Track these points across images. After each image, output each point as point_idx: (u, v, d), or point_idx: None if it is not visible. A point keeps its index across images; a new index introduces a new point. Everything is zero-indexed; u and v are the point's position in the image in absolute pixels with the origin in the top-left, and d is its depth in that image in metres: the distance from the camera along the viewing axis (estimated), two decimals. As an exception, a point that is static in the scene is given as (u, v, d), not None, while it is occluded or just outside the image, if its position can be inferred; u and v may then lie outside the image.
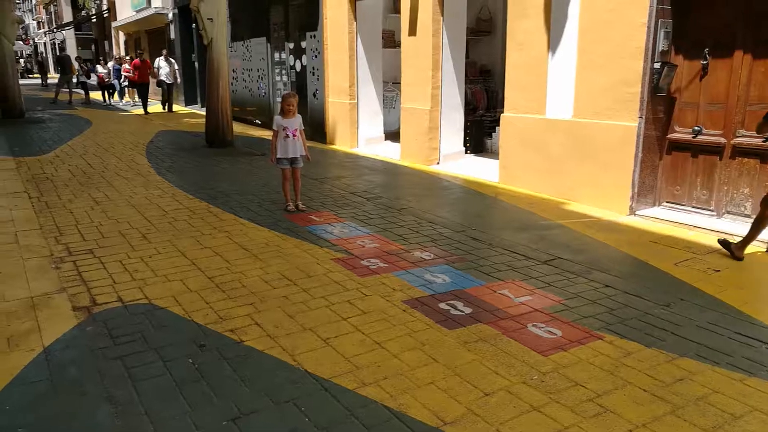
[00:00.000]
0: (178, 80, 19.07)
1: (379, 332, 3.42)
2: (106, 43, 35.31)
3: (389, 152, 10.85)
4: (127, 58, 22.44)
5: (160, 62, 18.12)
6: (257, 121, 15.83)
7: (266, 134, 14.02)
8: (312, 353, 3.14)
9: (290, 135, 6.07)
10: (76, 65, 21.57)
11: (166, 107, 18.79)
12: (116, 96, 22.05)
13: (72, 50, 38.71)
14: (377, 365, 3.03)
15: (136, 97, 20.12)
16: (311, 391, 2.77)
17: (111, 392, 2.72)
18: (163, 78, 18.15)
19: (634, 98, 6.18)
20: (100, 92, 22.33)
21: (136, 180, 7.88)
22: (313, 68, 12.63)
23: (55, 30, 48.03)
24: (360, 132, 11.76)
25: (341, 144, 12.01)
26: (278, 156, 6.18)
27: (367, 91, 11.61)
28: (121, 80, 21.13)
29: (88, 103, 21.09)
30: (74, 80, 20.96)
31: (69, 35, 44.45)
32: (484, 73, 11.89)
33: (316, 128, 12.80)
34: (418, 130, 9.68)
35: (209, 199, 6.80)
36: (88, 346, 3.17)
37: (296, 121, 6.17)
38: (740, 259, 4.88)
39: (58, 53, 37.13)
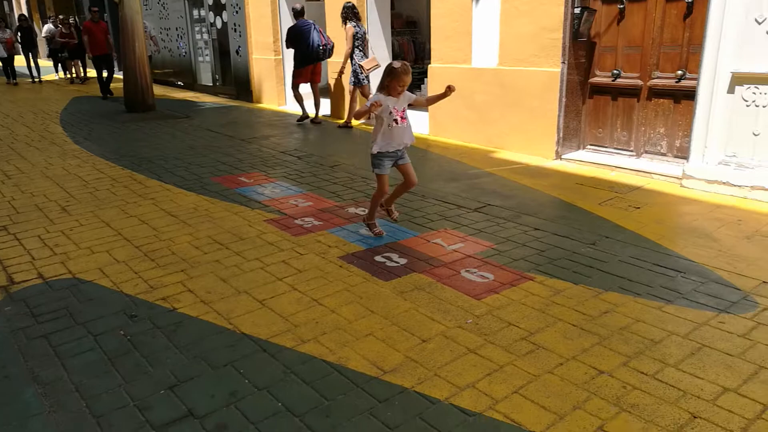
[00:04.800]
0: (159, 50, 15.07)
1: (316, 289, 3.41)
2: (5, 3, 32.65)
3: (320, 108, 10.63)
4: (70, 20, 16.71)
5: None
6: (179, 83, 15.16)
7: (189, 96, 13.50)
8: (248, 315, 3.10)
9: (398, 119, 4.14)
10: None
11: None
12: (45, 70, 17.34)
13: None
14: (315, 322, 3.03)
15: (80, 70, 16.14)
16: (249, 353, 2.75)
17: (36, 372, 2.61)
18: None
19: (556, 44, 6.28)
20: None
21: (51, 150, 7.43)
22: (235, 24, 12.13)
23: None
24: (287, 89, 11.46)
25: (268, 102, 11.70)
26: (378, 150, 4.14)
27: (292, 46, 11.25)
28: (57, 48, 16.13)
29: None
30: None
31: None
32: (410, 25, 11.78)
33: (242, 87, 12.40)
34: (347, 84, 9.52)
35: (132, 166, 6.50)
36: (7, 327, 3.01)
37: (405, 99, 4.16)
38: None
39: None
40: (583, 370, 2.58)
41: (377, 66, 8.65)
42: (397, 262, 3.79)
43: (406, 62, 4.05)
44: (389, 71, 4.00)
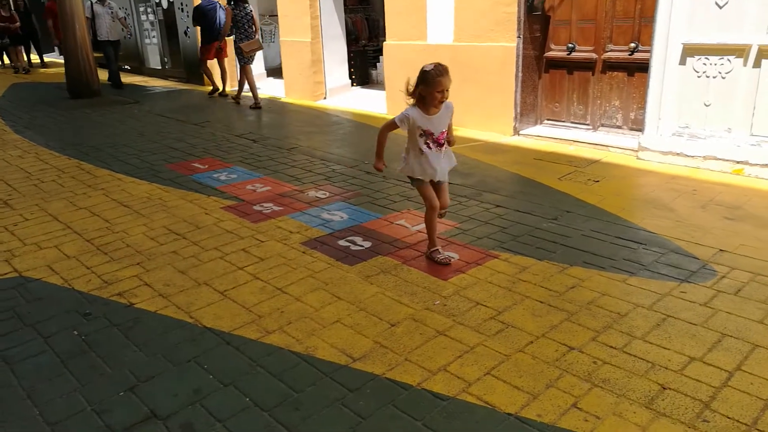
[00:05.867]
0: (131, 33, 13.03)
1: (279, 277, 3.31)
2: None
3: (273, 89, 10.43)
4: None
5: (96, 7, 10.97)
6: (126, 67, 14.58)
7: (137, 80, 13.00)
8: (210, 308, 2.99)
9: (432, 144, 3.26)
10: None
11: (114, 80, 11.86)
12: None
13: None
14: (280, 311, 2.94)
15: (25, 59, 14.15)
16: (212, 347, 2.64)
17: (-16, 379, 2.45)
18: (104, 36, 11.05)
19: (512, 18, 6.25)
20: None
21: (-11, 141, 7.04)
22: (182, 4, 11.69)
23: None
24: (239, 70, 11.14)
25: (220, 84, 11.34)
26: (408, 174, 3.45)
27: (242, 26, 10.93)
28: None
29: None
30: None
31: None
32: (363, 2, 11.57)
33: (192, 70, 12.00)
34: (300, 64, 9.32)
35: (79, 156, 6.21)
36: (-49, 333, 2.82)
37: (444, 117, 3.27)
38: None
39: None
40: (554, 347, 2.57)
41: (258, 48, 9.11)
42: (362, 246, 3.72)
43: (440, 63, 3.13)
44: (421, 77, 3.10)
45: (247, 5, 9.01)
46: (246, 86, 9.30)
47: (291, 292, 3.14)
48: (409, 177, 3.46)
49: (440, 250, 3.48)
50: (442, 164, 3.35)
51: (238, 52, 9.05)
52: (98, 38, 10.83)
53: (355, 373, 2.42)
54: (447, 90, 3.13)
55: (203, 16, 9.47)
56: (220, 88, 10.25)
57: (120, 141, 6.91)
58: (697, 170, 5.12)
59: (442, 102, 3.16)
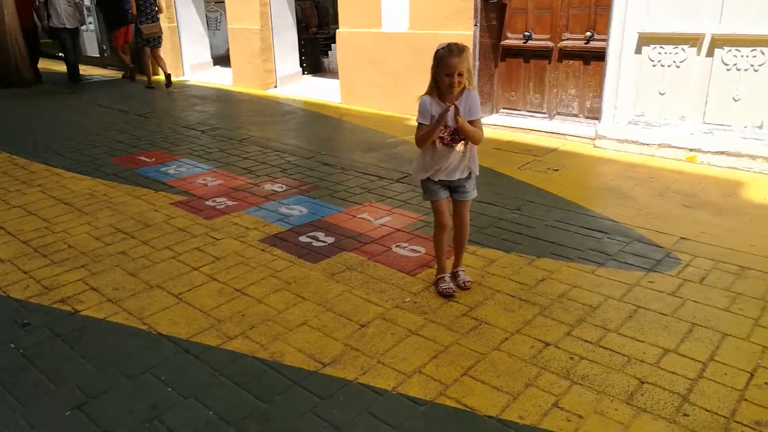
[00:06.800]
0: (85, 24, 11.01)
1: (238, 278, 3.13)
2: None
3: (220, 78, 10.07)
4: None
5: None
6: (61, 54, 13.81)
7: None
8: (164, 313, 2.78)
9: (444, 137, 2.76)
10: None
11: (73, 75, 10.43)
12: None
13: None
14: (241, 314, 2.76)
15: None
16: (169, 356, 2.45)
17: None
18: (58, 22, 9.59)
19: (468, 6, 6.16)
20: None
21: None
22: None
23: None
24: (184, 58, 10.74)
25: (163, 73, 10.88)
26: (418, 174, 2.94)
27: (187, 12, 10.55)
28: None
29: None
30: None
31: None
32: (313, -12, 11.30)
33: (132, 57, 11.44)
34: (249, 52, 9.01)
35: (12, 149, 5.78)
36: None
37: (464, 106, 2.72)
38: None
39: None
40: (529, 343, 2.50)
41: (156, 33, 9.34)
42: (324, 242, 3.57)
43: (456, 43, 2.70)
44: (434, 58, 2.73)
45: None
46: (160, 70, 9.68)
47: (252, 293, 2.97)
48: (424, 190, 2.95)
49: (446, 278, 2.97)
50: (455, 165, 2.81)
51: (139, 34, 9.26)
52: (51, 25, 9.62)
53: (326, 380, 2.29)
54: (460, 74, 2.64)
55: (108, 1, 9.64)
56: (129, 73, 10.55)
57: (57, 133, 6.49)
58: (653, 158, 5.18)
59: (453, 87, 2.66)
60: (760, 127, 4.76)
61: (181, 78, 10.59)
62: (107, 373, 2.35)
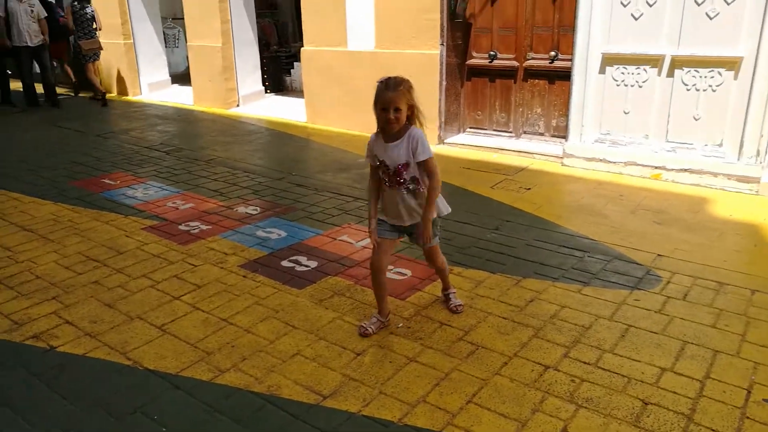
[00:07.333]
0: (47, 39, 9.16)
1: (222, 306, 3.02)
2: None
3: (180, 97, 9.85)
4: None
5: (11, 4, 8.62)
6: (8, 72, 13.25)
7: (21, 86, 11.81)
8: (149, 346, 2.65)
9: (388, 180, 2.63)
10: None
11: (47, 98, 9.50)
12: None
13: None
14: (231, 346, 2.66)
15: None
16: (159, 393, 2.33)
17: None
18: (19, 40, 8.75)
19: (435, 25, 6.23)
20: None
21: None
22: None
23: None
24: (141, 77, 10.48)
25: (121, 91, 10.60)
26: (378, 217, 2.75)
27: (144, 28, 10.30)
28: None
29: None
30: None
31: None
32: (271, 6, 11.23)
33: (85, 75, 11.09)
34: (210, 70, 8.86)
35: (-38, 173, 5.49)
36: None
37: (402, 147, 2.56)
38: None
39: None
40: (529, 367, 2.49)
41: (96, 49, 9.47)
42: (307, 266, 3.49)
43: (396, 77, 2.54)
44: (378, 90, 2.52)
45: (87, 4, 9.28)
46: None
47: (238, 322, 2.86)
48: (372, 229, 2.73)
49: (374, 319, 2.77)
50: (404, 213, 2.63)
51: (78, 51, 9.34)
52: (12, 43, 8.72)
53: (328, 413, 2.21)
54: (397, 109, 2.46)
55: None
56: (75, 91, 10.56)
57: (11, 155, 6.19)
58: (620, 176, 5.31)
59: (391, 123, 2.49)
60: (720, 145, 4.95)
61: (139, 97, 10.32)
62: (92, 414, 2.21)
